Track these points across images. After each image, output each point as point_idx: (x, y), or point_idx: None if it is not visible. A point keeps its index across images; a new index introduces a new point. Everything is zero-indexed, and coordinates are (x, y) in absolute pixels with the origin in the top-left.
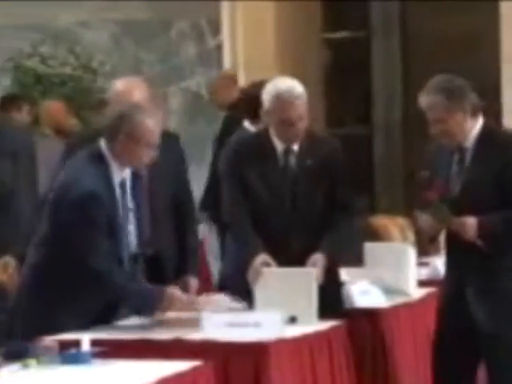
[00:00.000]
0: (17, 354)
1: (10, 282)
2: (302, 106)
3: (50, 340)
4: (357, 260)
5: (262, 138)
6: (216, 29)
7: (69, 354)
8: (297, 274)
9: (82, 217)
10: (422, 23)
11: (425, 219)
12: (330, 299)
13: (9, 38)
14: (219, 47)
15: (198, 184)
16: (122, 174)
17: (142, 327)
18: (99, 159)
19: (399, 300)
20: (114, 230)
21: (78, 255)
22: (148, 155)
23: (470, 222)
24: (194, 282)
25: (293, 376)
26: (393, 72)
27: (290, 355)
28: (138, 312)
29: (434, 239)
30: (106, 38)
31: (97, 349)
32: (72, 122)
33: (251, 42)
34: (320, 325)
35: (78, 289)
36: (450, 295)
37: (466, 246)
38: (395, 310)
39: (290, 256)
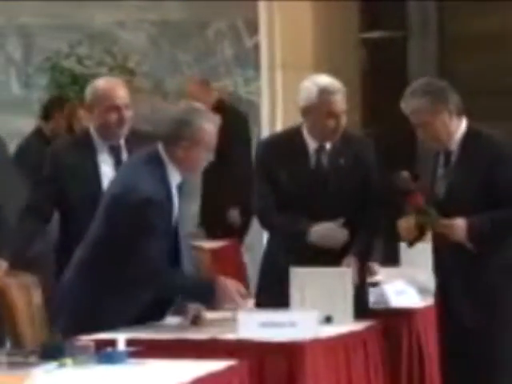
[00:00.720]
0: (53, 354)
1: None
2: (344, 101)
3: (86, 339)
4: (388, 260)
5: (294, 136)
6: (253, 29)
7: (104, 353)
8: (332, 274)
9: (140, 222)
10: (460, 23)
11: (404, 225)
12: (357, 300)
13: (46, 38)
14: (256, 47)
15: None
16: (178, 178)
17: (177, 327)
18: (157, 162)
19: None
20: (171, 233)
21: (135, 257)
22: (207, 159)
23: (459, 224)
24: None
25: (327, 376)
26: (429, 72)
27: (325, 355)
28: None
29: (412, 244)
30: (142, 39)
31: (132, 348)
32: None
33: (288, 42)
34: (355, 325)
35: (127, 289)
36: (441, 296)
37: (452, 246)
38: (430, 310)
39: (320, 254)
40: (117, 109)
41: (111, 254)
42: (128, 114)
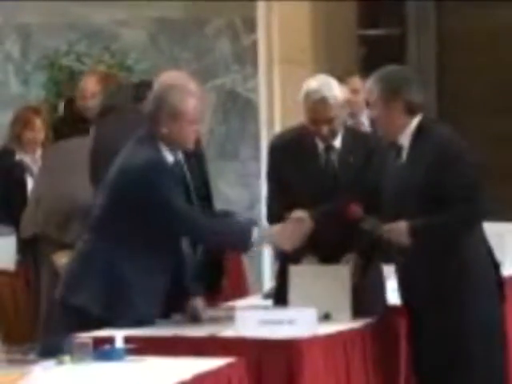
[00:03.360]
0: (51, 351)
1: None
2: (331, 108)
3: (84, 337)
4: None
5: (303, 135)
6: (251, 26)
7: (102, 350)
8: (331, 271)
9: (151, 179)
10: (458, 20)
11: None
12: (369, 298)
13: (45, 36)
14: (254, 45)
15: (229, 182)
16: (171, 157)
17: (175, 324)
18: (149, 141)
19: None
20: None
21: (161, 217)
22: (193, 132)
23: (399, 226)
24: None
25: (326, 373)
26: (427, 70)
27: (324, 352)
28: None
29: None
30: (141, 37)
31: (130, 345)
32: None
33: (286, 39)
34: (354, 322)
35: (150, 266)
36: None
37: (410, 253)
38: None
39: (327, 252)
40: None
41: (125, 228)
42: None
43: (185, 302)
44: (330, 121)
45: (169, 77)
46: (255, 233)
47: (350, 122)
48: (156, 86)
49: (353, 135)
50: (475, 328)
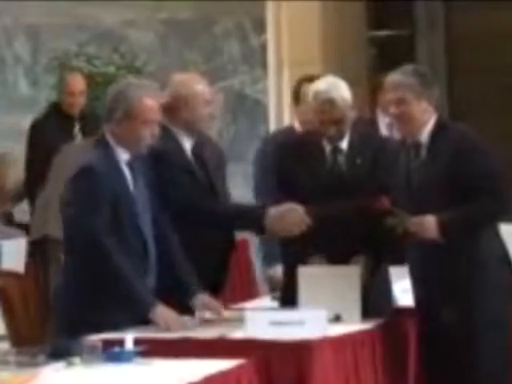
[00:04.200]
0: (61, 353)
1: None
2: (339, 109)
3: (94, 339)
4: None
5: (310, 137)
6: (260, 27)
7: (112, 352)
8: (340, 272)
9: (79, 190)
10: (467, 21)
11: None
12: (377, 298)
13: (55, 37)
14: (264, 46)
15: (238, 183)
16: (126, 156)
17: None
18: (103, 144)
19: None
20: (123, 210)
21: (79, 233)
22: (148, 134)
23: (430, 221)
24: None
25: (336, 375)
26: (437, 70)
27: (334, 354)
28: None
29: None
30: (151, 38)
31: (140, 348)
32: None
33: (296, 41)
34: (364, 323)
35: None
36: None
37: (424, 246)
38: None
39: (335, 254)
40: None
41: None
42: None
43: (188, 302)
44: (337, 122)
45: (180, 78)
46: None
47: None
48: (116, 84)
49: (359, 136)
50: (487, 327)
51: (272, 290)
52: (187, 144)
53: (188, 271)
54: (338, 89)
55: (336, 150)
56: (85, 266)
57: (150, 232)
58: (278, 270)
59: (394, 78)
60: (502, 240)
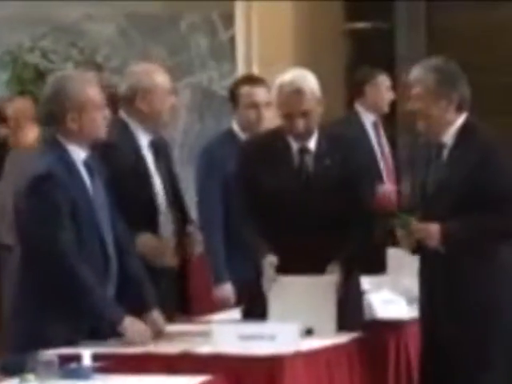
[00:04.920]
0: (15, 369)
1: None
2: (307, 100)
3: (50, 354)
4: (379, 267)
5: (276, 136)
6: (229, 21)
7: (69, 368)
8: (315, 283)
9: (39, 200)
10: (449, 15)
11: (400, 232)
12: (349, 311)
13: (7, 31)
14: (232, 40)
15: None
16: (82, 153)
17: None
18: (56, 146)
19: None
20: (82, 216)
21: (41, 246)
22: (102, 117)
23: (432, 228)
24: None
25: None
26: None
27: (307, 369)
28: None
29: (415, 251)
30: (112, 32)
31: (98, 363)
32: None
33: (266, 34)
34: (339, 337)
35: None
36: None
37: (437, 256)
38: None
39: (304, 264)
40: None
41: (27, 254)
42: None
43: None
44: (305, 114)
45: (139, 68)
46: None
47: None
48: (51, 81)
49: (328, 136)
50: (498, 340)
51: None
52: (144, 140)
53: (146, 285)
54: (306, 80)
55: (303, 149)
56: (44, 279)
57: (110, 239)
58: (227, 288)
59: (414, 72)
60: None
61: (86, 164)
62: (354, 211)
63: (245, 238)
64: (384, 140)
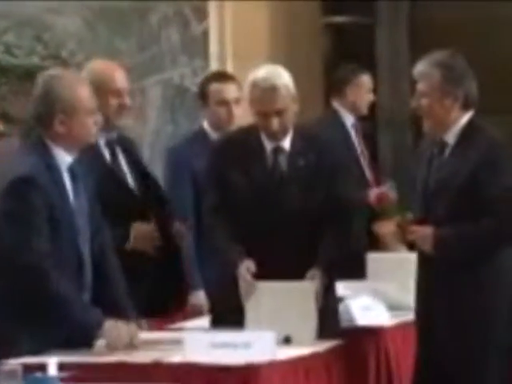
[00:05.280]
0: None
1: None
2: (282, 99)
3: (13, 363)
4: (358, 272)
5: (250, 134)
6: (202, 14)
7: (33, 378)
8: (293, 289)
9: (18, 202)
10: (432, 10)
11: (384, 230)
12: (326, 319)
13: None
14: (205, 34)
15: None
16: (67, 159)
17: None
18: (41, 148)
19: (405, 316)
20: (59, 223)
21: (15, 250)
22: (94, 122)
23: (425, 232)
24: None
25: None
26: (400, 62)
27: (283, 379)
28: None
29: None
30: (78, 25)
31: (65, 373)
32: None
33: (241, 28)
34: (317, 345)
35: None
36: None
37: (435, 262)
38: (401, 327)
39: (279, 267)
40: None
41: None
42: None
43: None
44: (279, 113)
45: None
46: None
47: None
48: (41, 80)
49: (303, 135)
50: (493, 353)
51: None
52: (101, 140)
53: (124, 295)
54: (280, 76)
55: (277, 149)
56: (15, 287)
57: (87, 248)
58: (201, 295)
59: (418, 67)
60: None
61: (71, 169)
62: (331, 211)
63: (216, 240)
64: (362, 142)
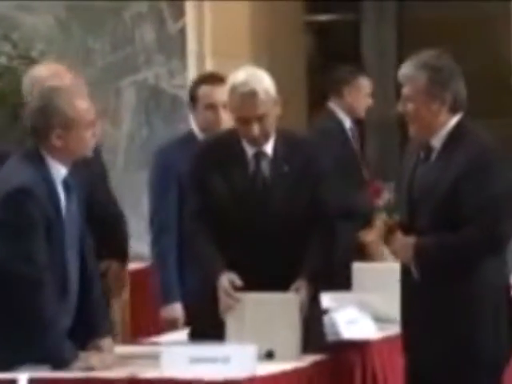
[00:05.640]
0: None
1: None
2: (262, 104)
3: None
4: (344, 283)
5: (231, 139)
6: (179, 11)
7: None
8: (276, 301)
9: (15, 214)
10: (420, 7)
11: (370, 238)
12: (311, 332)
13: None
14: (182, 32)
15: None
16: (63, 171)
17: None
18: (37, 160)
19: (392, 329)
20: (52, 239)
21: (13, 263)
22: (91, 136)
23: (406, 242)
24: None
25: None
26: (386, 61)
27: None
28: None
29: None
30: (49, 24)
31: None
32: None
33: (221, 25)
34: (301, 360)
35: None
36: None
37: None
38: (387, 340)
39: (262, 278)
40: None
41: None
42: None
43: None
44: (260, 118)
45: (39, 73)
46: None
47: None
48: (35, 91)
49: (287, 140)
50: (480, 367)
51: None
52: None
53: (103, 310)
54: (260, 80)
55: (259, 154)
56: (5, 299)
57: (74, 267)
58: (176, 308)
59: (403, 69)
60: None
61: (65, 182)
62: (316, 220)
63: (197, 247)
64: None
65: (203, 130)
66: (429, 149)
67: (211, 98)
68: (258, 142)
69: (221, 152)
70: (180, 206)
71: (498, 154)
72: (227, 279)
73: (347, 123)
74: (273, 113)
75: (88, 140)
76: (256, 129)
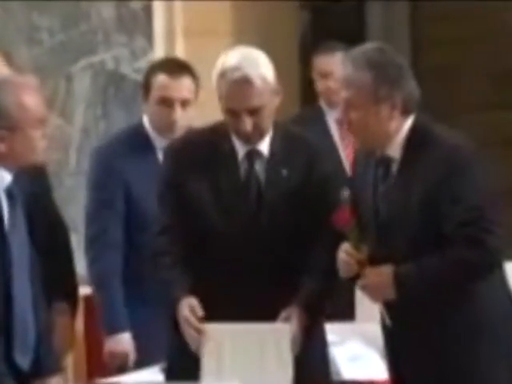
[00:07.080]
0: None
1: None
2: (258, 94)
3: None
4: (346, 312)
5: (218, 136)
6: None
7: None
8: (263, 333)
9: None
10: None
11: (342, 257)
12: (307, 371)
13: None
14: (148, 8)
15: None
16: (7, 178)
17: None
18: None
19: None
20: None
21: None
22: (42, 136)
23: (383, 272)
24: None
25: None
26: (396, 43)
27: None
28: None
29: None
30: None
31: None
32: None
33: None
34: None
35: None
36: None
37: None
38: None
39: (251, 305)
40: None
41: None
42: None
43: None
44: (254, 111)
45: None
46: None
47: None
48: None
49: (287, 138)
50: None
51: (118, 368)
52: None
53: (52, 346)
54: (256, 64)
55: (252, 153)
56: None
57: (22, 285)
58: (124, 339)
59: (343, 71)
60: (508, 285)
61: (8, 191)
62: (319, 233)
63: (159, 271)
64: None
65: (155, 128)
66: (387, 161)
67: (165, 91)
68: (251, 139)
69: (203, 151)
70: (126, 217)
71: (470, 152)
72: (187, 306)
73: (333, 116)
74: (270, 105)
75: (37, 142)
76: (249, 123)
